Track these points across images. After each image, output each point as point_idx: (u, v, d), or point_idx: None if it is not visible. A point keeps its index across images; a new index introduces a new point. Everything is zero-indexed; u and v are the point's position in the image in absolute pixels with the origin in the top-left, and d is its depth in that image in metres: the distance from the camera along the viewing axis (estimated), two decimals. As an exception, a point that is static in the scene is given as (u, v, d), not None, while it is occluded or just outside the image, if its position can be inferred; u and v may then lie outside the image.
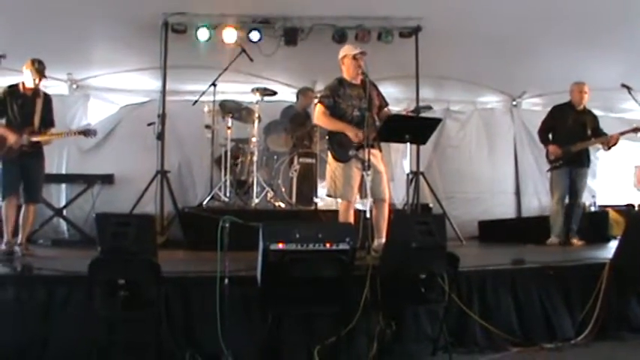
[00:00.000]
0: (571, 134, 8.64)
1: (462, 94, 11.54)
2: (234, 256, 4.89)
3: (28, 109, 6.98)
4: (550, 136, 8.90)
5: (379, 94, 6.82)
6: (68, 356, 4.78)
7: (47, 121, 7.11)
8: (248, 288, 5.00)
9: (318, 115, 6.61)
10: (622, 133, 8.44)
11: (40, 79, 6.99)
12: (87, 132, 7.38)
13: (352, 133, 6.36)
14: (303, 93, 10.09)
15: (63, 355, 4.79)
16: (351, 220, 6.41)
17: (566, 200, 8.75)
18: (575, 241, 8.55)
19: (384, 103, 6.83)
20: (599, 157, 11.59)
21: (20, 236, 6.98)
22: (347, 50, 6.71)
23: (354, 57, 6.56)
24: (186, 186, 10.40)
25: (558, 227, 8.70)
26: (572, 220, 8.68)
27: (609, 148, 8.58)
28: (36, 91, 7.04)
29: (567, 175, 8.67)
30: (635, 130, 8.39)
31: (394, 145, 10.17)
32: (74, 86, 10.21)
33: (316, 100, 6.83)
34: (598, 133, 8.72)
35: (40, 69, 6.94)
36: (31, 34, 7.98)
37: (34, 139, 6.93)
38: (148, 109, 9.67)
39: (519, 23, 8.65)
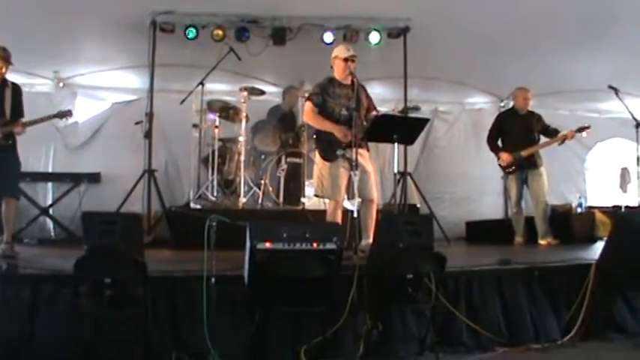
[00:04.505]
0: (519, 140, 8.99)
1: (450, 94, 11.56)
2: (221, 256, 4.91)
3: None
4: (500, 143, 9.24)
5: (368, 96, 6.83)
6: (55, 355, 4.75)
7: (17, 112, 6.85)
8: (235, 287, 4.99)
9: (307, 112, 6.63)
10: (578, 130, 8.79)
11: (6, 68, 6.74)
12: (60, 114, 7.19)
13: (341, 134, 6.37)
14: (288, 92, 10.12)
15: (49, 354, 4.75)
16: (339, 219, 6.43)
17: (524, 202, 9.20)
18: (550, 240, 8.74)
19: (372, 106, 6.83)
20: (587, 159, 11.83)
21: (5, 235, 6.81)
22: (338, 52, 6.72)
23: (345, 60, 6.58)
24: (173, 185, 10.37)
25: (521, 228, 9.11)
26: (541, 220, 8.89)
27: (563, 142, 8.94)
28: (3, 81, 6.81)
29: (519, 178, 9.04)
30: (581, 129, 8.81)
31: (382, 146, 10.20)
32: (61, 84, 10.13)
33: (306, 97, 6.82)
34: (548, 131, 9.06)
35: (4, 56, 6.69)
36: (16, 31, 7.90)
37: (16, 129, 6.72)
38: (136, 108, 9.61)
39: (508, 25, 8.67)
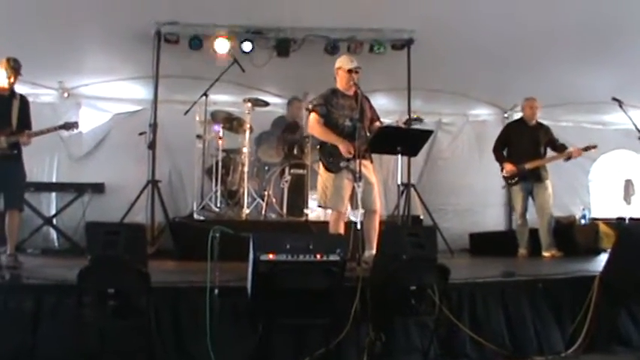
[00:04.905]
0: (524, 151, 8.96)
1: (454, 106, 11.56)
2: (224, 267, 4.90)
3: (4, 111, 6.73)
4: (505, 153, 9.20)
5: (371, 107, 6.84)
6: (57, 365, 4.76)
7: (24, 124, 6.84)
8: (238, 298, 4.99)
9: (312, 123, 6.62)
10: (585, 149, 8.79)
11: (15, 78, 6.77)
12: (67, 126, 7.20)
13: (344, 148, 6.36)
14: (292, 103, 10.12)
15: (52, 364, 4.77)
16: (342, 230, 6.42)
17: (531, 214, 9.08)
18: (554, 252, 8.69)
19: (375, 116, 6.83)
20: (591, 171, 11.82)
21: (8, 246, 6.75)
22: (342, 62, 6.72)
23: (349, 71, 6.58)
24: (176, 196, 10.39)
25: (525, 240, 9.06)
26: (546, 233, 8.84)
27: (568, 159, 8.93)
28: (12, 92, 6.83)
29: (525, 190, 9.00)
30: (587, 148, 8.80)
31: (386, 157, 10.19)
32: (65, 94, 10.15)
33: (310, 107, 6.81)
34: (556, 146, 9.02)
35: (15, 67, 6.73)
36: (21, 41, 7.91)
37: (21, 139, 6.70)
38: (140, 119, 9.66)
39: (511, 37, 8.69)
